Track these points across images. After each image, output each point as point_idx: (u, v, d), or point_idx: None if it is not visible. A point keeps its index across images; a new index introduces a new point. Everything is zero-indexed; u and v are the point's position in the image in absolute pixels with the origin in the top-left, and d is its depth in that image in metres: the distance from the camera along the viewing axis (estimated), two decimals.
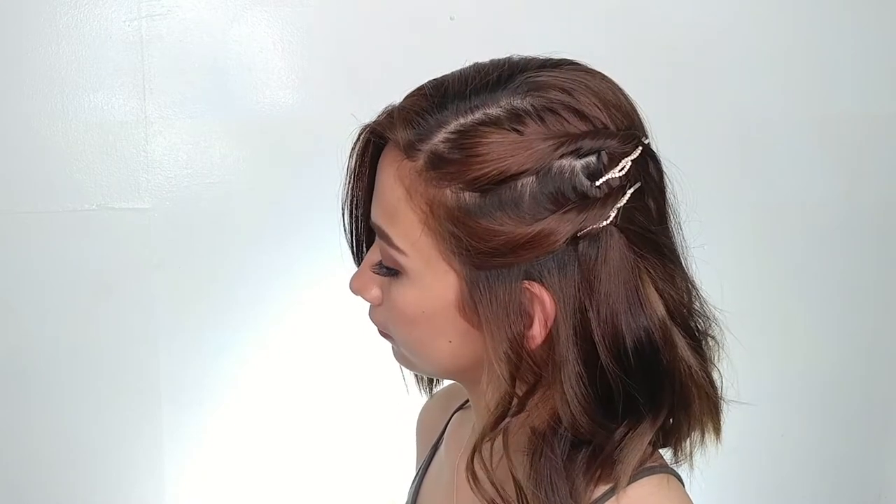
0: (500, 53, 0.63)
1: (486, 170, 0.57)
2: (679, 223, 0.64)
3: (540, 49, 0.64)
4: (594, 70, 0.62)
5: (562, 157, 0.57)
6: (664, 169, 0.62)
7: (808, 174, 1.67)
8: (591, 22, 1.52)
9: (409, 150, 0.59)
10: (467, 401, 0.77)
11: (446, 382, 0.78)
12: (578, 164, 0.58)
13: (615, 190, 0.58)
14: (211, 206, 1.46)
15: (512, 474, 0.60)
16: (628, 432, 0.60)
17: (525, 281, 0.58)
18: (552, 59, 0.62)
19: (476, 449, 0.61)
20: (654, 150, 0.62)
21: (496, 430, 0.61)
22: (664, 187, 0.62)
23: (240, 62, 1.43)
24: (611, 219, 0.57)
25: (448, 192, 0.58)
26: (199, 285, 1.49)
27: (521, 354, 0.59)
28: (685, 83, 1.59)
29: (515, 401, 0.60)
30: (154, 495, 1.52)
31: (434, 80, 0.62)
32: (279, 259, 1.49)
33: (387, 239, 0.62)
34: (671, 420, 0.63)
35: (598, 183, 0.57)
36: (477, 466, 0.61)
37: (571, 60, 0.62)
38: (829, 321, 1.76)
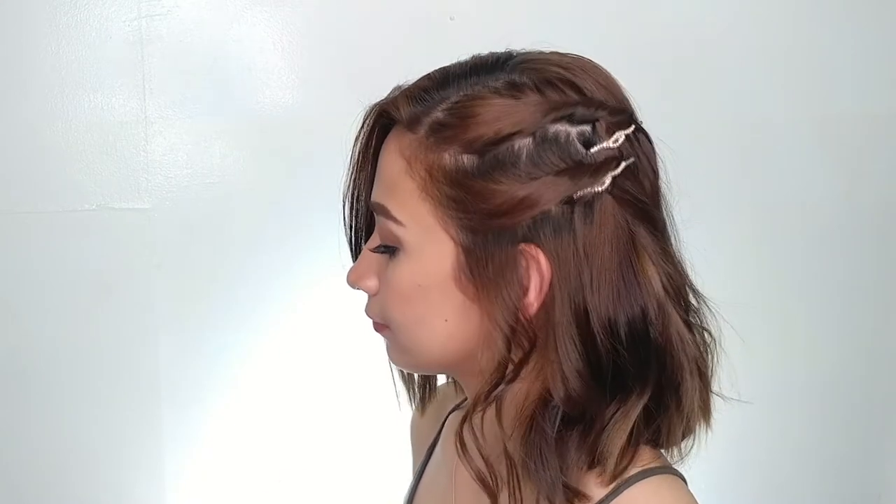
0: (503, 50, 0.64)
1: (483, 130, 0.59)
2: (670, 211, 0.65)
3: (540, 49, 0.64)
4: (588, 58, 0.64)
5: (556, 121, 0.59)
6: (658, 153, 0.64)
7: (808, 174, 1.67)
8: (591, 22, 1.52)
9: (412, 123, 0.61)
10: (464, 400, 0.77)
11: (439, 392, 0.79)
12: (574, 130, 0.59)
13: (609, 159, 0.60)
14: (211, 206, 1.46)
15: (505, 447, 0.61)
16: (618, 410, 0.60)
17: (522, 243, 0.59)
18: (548, 51, 0.64)
19: (467, 417, 0.62)
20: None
21: (490, 398, 0.61)
22: (657, 170, 0.64)
23: (240, 62, 1.43)
24: (606, 185, 0.59)
25: (446, 155, 0.60)
26: (199, 285, 1.49)
27: (517, 318, 0.60)
28: (685, 83, 1.59)
29: (511, 367, 0.61)
30: (154, 495, 1.52)
31: (438, 68, 0.65)
32: (279, 259, 1.49)
33: (385, 213, 0.63)
34: (662, 403, 0.62)
35: (592, 151, 0.59)
36: (467, 436, 0.62)
37: (566, 52, 0.64)
38: (829, 321, 1.76)
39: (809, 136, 1.66)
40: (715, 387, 0.67)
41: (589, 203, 0.59)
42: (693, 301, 0.65)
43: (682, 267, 0.65)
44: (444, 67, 0.64)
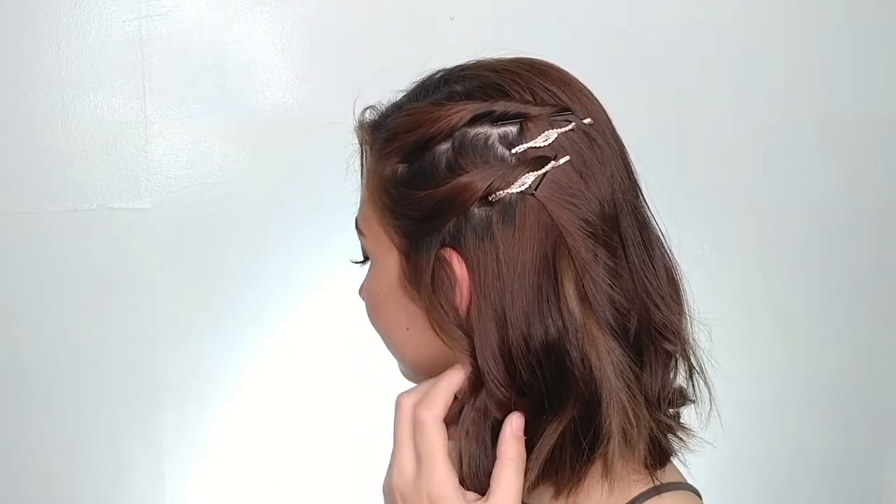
0: (500, 53, 0.64)
1: (411, 138, 0.60)
2: (645, 219, 0.62)
3: (540, 49, 0.64)
4: (547, 62, 0.62)
5: (476, 122, 0.58)
6: (633, 165, 0.61)
7: (808, 174, 1.67)
8: (590, 22, 1.52)
9: (373, 143, 0.64)
10: None
11: None
12: (495, 132, 0.58)
13: (536, 159, 0.57)
14: (211, 206, 1.46)
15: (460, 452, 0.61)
16: (546, 428, 0.58)
17: (442, 248, 0.58)
18: (508, 57, 0.63)
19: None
20: (610, 139, 0.61)
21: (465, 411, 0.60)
22: (616, 172, 0.60)
23: (240, 62, 1.43)
24: (527, 185, 0.57)
25: (387, 166, 0.61)
26: (200, 285, 1.49)
27: (451, 324, 0.59)
28: (685, 83, 1.59)
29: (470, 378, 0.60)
30: (154, 496, 1.52)
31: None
32: (279, 259, 1.49)
33: (356, 225, 0.65)
34: (590, 426, 0.59)
35: (514, 150, 0.57)
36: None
37: (536, 58, 0.63)
38: (829, 321, 1.76)
39: (809, 136, 1.66)
40: (693, 411, 0.64)
41: (509, 205, 0.57)
42: (661, 318, 0.60)
43: (645, 281, 0.60)
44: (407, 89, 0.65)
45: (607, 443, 0.58)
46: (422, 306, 0.60)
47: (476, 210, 0.57)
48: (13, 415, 1.47)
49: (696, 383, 0.64)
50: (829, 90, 1.66)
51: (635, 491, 0.62)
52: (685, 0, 1.57)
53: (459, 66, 0.64)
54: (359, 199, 0.66)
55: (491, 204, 0.57)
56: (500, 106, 0.58)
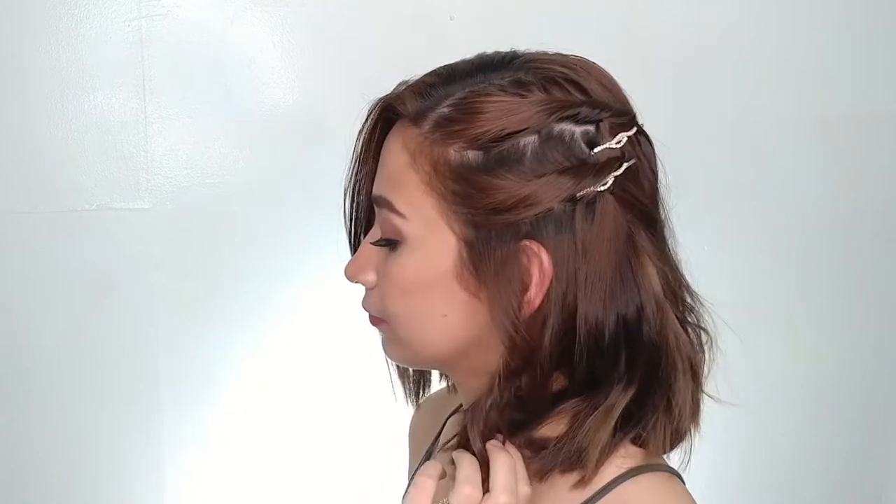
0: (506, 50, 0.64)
1: (488, 127, 0.59)
2: (668, 214, 0.66)
3: (539, 49, 0.64)
4: (591, 60, 0.64)
5: (561, 120, 0.60)
6: (658, 155, 0.65)
7: (808, 174, 1.67)
8: (591, 22, 1.52)
9: (417, 118, 0.62)
10: (461, 406, 0.76)
11: (433, 389, 0.78)
12: (578, 130, 0.60)
13: (612, 160, 0.60)
14: (211, 206, 1.46)
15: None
16: (597, 407, 0.61)
17: (525, 240, 0.60)
18: (552, 52, 0.65)
19: (475, 409, 0.62)
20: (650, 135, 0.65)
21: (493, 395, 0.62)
22: (657, 172, 0.64)
23: (240, 62, 1.43)
24: (608, 185, 0.60)
25: (452, 150, 0.60)
26: (199, 285, 1.49)
27: (518, 315, 0.60)
28: (685, 84, 1.59)
29: (509, 367, 0.61)
30: (154, 496, 1.52)
31: (444, 65, 0.65)
32: (279, 259, 1.49)
33: (388, 205, 0.63)
34: (649, 402, 0.62)
35: (595, 151, 0.60)
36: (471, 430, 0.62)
37: (583, 57, 0.65)
38: (829, 321, 1.76)
39: (809, 136, 1.66)
40: (709, 388, 0.67)
41: (591, 202, 0.59)
42: (690, 301, 0.65)
43: (679, 268, 0.65)
44: (449, 64, 0.64)
45: (678, 423, 0.62)
46: (479, 294, 0.61)
47: (557, 204, 0.59)
48: (13, 415, 1.47)
49: (709, 360, 0.67)
50: (829, 90, 1.66)
51: (614, 472, 0.63)
52: (686, 1, 1.57)
53: (511, 52, 0.64)
54: (381, 179, 0.64)
55: (575, 201, 0.59)
56: (585, 107, 0.60)
